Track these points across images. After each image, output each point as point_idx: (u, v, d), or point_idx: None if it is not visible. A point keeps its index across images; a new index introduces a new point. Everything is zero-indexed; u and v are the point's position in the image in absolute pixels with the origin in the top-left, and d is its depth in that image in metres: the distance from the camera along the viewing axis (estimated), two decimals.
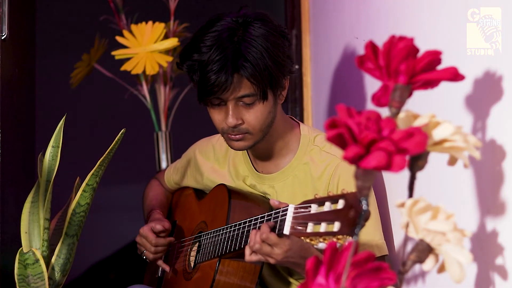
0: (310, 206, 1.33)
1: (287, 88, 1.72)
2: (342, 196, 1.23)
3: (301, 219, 1.34)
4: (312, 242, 1.29)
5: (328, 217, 1.25)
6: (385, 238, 1.67)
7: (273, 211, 1.52)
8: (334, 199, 1.25)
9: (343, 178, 1.66)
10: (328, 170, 1.69)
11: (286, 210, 1.42)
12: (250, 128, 1.68)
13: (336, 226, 1.21)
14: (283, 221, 1.43)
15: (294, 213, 1.38)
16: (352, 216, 1.18)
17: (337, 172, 1.68)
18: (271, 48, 1.63)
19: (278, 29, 1.68)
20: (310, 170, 1.73)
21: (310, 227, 1.30)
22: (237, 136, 1.69)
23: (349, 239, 1.20)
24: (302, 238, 1.32)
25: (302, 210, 1.35)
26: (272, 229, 1.51)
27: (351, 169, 1.61)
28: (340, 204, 1.22)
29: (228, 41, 1.63)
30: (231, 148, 1.74)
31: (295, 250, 1.52)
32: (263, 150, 1.78)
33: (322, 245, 1.26)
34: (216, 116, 1.69)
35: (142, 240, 1.89)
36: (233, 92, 1.64)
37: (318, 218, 1.29)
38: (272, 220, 1.51)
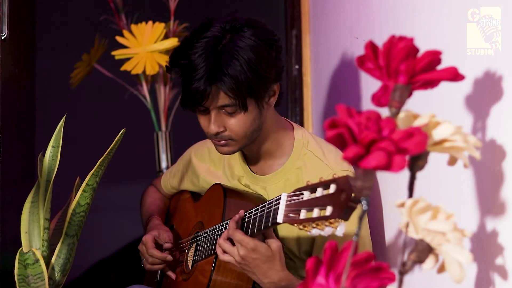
0: (302, 194, 1.33)
1: (277, 92, 1.71)
2: (334, 180, 1.23)
3: (294, 207, 1.35)
4: (306, 228, 1.29)
5: (320, 202, 1.26)
6: (378, 240, 1.67)
7: (267, 201, 1.52)
8: (325, 185, 1.26)
9: None
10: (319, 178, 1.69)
11: (279, 199, 1.42)
12: (233, 135, 1.68)
13: (328, 210, 1.22)
14: (276, 210, 1.43)
15: (287, 201, 1.39)
16: (343, 199, 1.18)
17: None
18: (253, 60, 1.62)
19: (267, 38, 1.66)
20: (302, 175, 1.73)
21: (303, 214, 1.31)
22: (221, 142, 1.70)
23: (342, 222, 1.20)
24: (296, 225, 1.32)
25: (295, 197, 1.36)
26: (265, 219, 1.51)
27: None
28: (332, 188, 1.23)
29: (211, 51, 1.62)
30: (218, 152, 1.75)
31: (261, 251, 1.54)
32: (255, 151, 1.78)
33: (315, 231, 1.26)
34: (202, 121, 1.71)
35: (142, 247, 1.90)
36: (213, 102, 1.64)
37: (310, 204, 1.29)
38: (265, 210, 1.51)
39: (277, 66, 1.68)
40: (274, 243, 1.56)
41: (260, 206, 1.55)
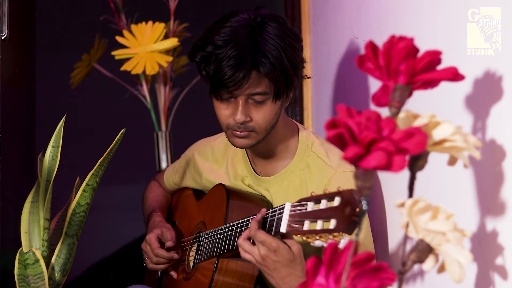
0: (306, 204, 1.33)
1: (294, 91, 1.71)
2: (338, 193, 1.23)
3: (298, 217, 1.34)
4: (309, 239, 1.29)
5: (324, 214, 1.25)
6: (380, 239, 1.67)
7: (270, 210, 1.52)
8: (330, 197, 1.26)
9: (335, 188, 1.66)
10: (323, 181, 1.69)
11: (283, 208, 1.42)
12: (256, 127, 1.66)
13: (332, 224, 1.22)
14: (280, 219, 1.43)
15: (291, 211, 1.38)
16: (348, 213, 1.18)
17: (331, 183, 1.67)
18: (288, 49, 1.62)
19: (293, 32, 1.67)
20: (305, 176, 1.73)
21: (307, 225, 1.31)
22: (242, 133, 1.67)
23: (345, 236, 1.21)
24: (299, 236, 1.32)
25: (299, 208, 1.36)
26: (264, 228, 1.50)
27: (345, 180, 1.61)
28: (336, 201, 1.23)
29: (246, 37, 1.60)
30: (233, 145, 1.72)
31: (283, 253, 1.46)
32: (262, 150, 1.77)
33: (318, 242, 1.26)
34: (223, 111, 1.67)
35: (146, 247, 1.89)
36: (248, 89, 1.62)
37: (314, 216, 1.29)
38: (269, 219, 1.51)
39: (303, 60, 1.69)
40: (295, 245, 1.48)
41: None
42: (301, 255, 1.48)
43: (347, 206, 1.19)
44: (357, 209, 1.15)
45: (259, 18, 1.64)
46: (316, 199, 1.30)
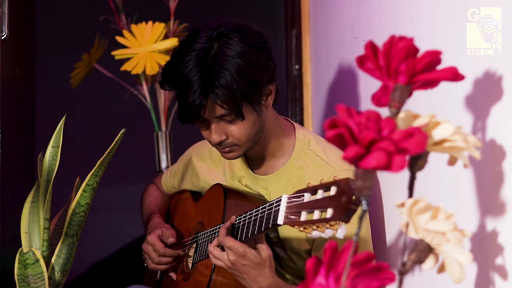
0: (303, 195, 1.33)
1: (274, 91, 1.71)
2: (334, 182, 1.23)
3: (295, 208, 1.34)
4: (306, 230, 1.29)
5: (321, 204, 1.26)
6: (378, 240, 1.67)
7: (267, 203, 1.52)
8: (326, 187, 1.26)
9: None
10: (320, 178, 1.69)
11: (280, 200, 1.42)
12: (235, 141, 1.69)
13: (329, 213, 1.22)
14: (277, 211, 1.43)
15: (288, 203, 1.39)
16: (344, 201, 1.18)
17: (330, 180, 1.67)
18: (244, 67, 1.61)
19: (254, 42, 1.65)
20: (304, 174, 1.73)
21: (304, 216, 1.31)
22: (225, 149, 1.71)
23: (342, 224, 1.21)
24: (296, 227, 1.32)
25: (295, 199, 1.36)
26: (266, 220, 1.51)
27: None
28: (333, 190, 1.23)
29: (201, 63, 1.62)
30: (224, 158, 1.76)
31: (250, 257, 1.56)
32: (257, 151, 1.78)
33: (316, 233, 1.27)
34: (203, 132, 1.71)
35: (148, 248, 1.90)
36: (210, 113, 1.65)
37: (311, 206, 1.29)
38: (266, 212, 1.51)
39: (268, 68, 1.67)
40: (265, 251, 1.58)
41: (261, 207, 1.55)
42: (271, 260, 1.59)
43: (343, 194, 1.19)
44: (353, 197, 1.16)
45: (216, 33, 1.65)
46: (313, 190, 1.31)
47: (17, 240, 1.64)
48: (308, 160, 1.74)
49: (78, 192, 1.61)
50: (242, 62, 1.62)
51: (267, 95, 1.69)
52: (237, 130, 1.67)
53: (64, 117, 1.63)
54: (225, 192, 1.78)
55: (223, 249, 1.60)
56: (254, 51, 1.64)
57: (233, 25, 1.66)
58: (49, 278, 1.60)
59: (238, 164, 1.85)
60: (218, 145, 1.70)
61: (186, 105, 1.63)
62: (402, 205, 1.05)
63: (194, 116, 1.65)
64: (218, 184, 1.84)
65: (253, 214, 1.58)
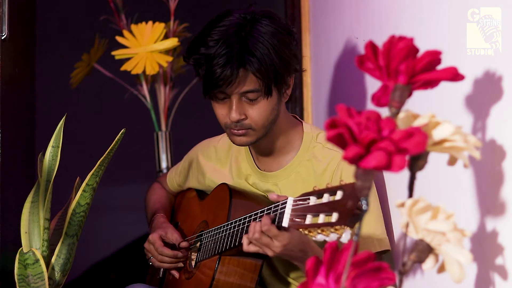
0: (309, 199, 1.34)
1: (291, 86, 1.73)
2: (340, 187, 1.23)
3: (300, 211, 1.35)
4: (311, 234, 1.29)
5: (327, 208, 1.26)
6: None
7: (273, 205, 1.52)
8: (332, 191, 1.26)
9: (346, 172, 1.67)
10: (331, 166, 1.70)
11: (285, 203, 1.42)
12: (253, 124, 1.69)
13: (334, 217, 1.22)
14: (282, 214, 1.43)
15: (293, 205, 1.39)
16: (350, 206, 1.18)
17: (340, 167, 1.68)
18: (277, 45, 1.64)
19: (286, 27, 1.69)
20: (313, 166, 1.73)
21: (309, 219, 1.31)
22: (240, 131, 1.70)
23: (347, 229, 1.21)
24: (301, 230, 1.32)
25: (301, 202, 1.36)
26: (273, 222, 1.52)
27: None
28: (339, 195, 1.23)
29: (235, 36, 1.64)
30: (233, 143, 1.75)
31: (294, 243, 1.53)
32: (265, 147, 1.78)
33: (320, 236, 1.27)
34: (220, 110, 1.70)
35: (150, 246, 1.89)
36: (238, 87, 1.65)
37: (316, 210, 1.29)
38: (271, 213, 1.51)
39: (296, 55, 1.71)
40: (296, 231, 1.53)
41: (266, 209, 1.55)
42: (301, 234, 1.52)
43: (349, 199, 1.19)
44: (359, 202, 1.16)
45: (249, 16, 1.67)
46: (319, 194, 1.31)
47: (17, 240, 1.64)
48: (316, 152, 1.74)
49: (78, 192, 1.61)
50: (276, 41, 1.65)
51: (287, 86, 1.71)
52: (257, 111, 1.67)
53: (64, 117, 1.63)
54: (231, 192, 1.78)
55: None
56: (286, 34, 1.68)
57: (264, 11, 1.70)
58: (49, 278, 1.60)
59: (245, 162, 1.85)
60: (234, 125, 1.69)
61: (215, 76, 1.63)
62: (402, 205, 1.05)
63: (221, 87, 1.64)
64: (224, 184, 1.84)
65: (258, 215, 1.58)
